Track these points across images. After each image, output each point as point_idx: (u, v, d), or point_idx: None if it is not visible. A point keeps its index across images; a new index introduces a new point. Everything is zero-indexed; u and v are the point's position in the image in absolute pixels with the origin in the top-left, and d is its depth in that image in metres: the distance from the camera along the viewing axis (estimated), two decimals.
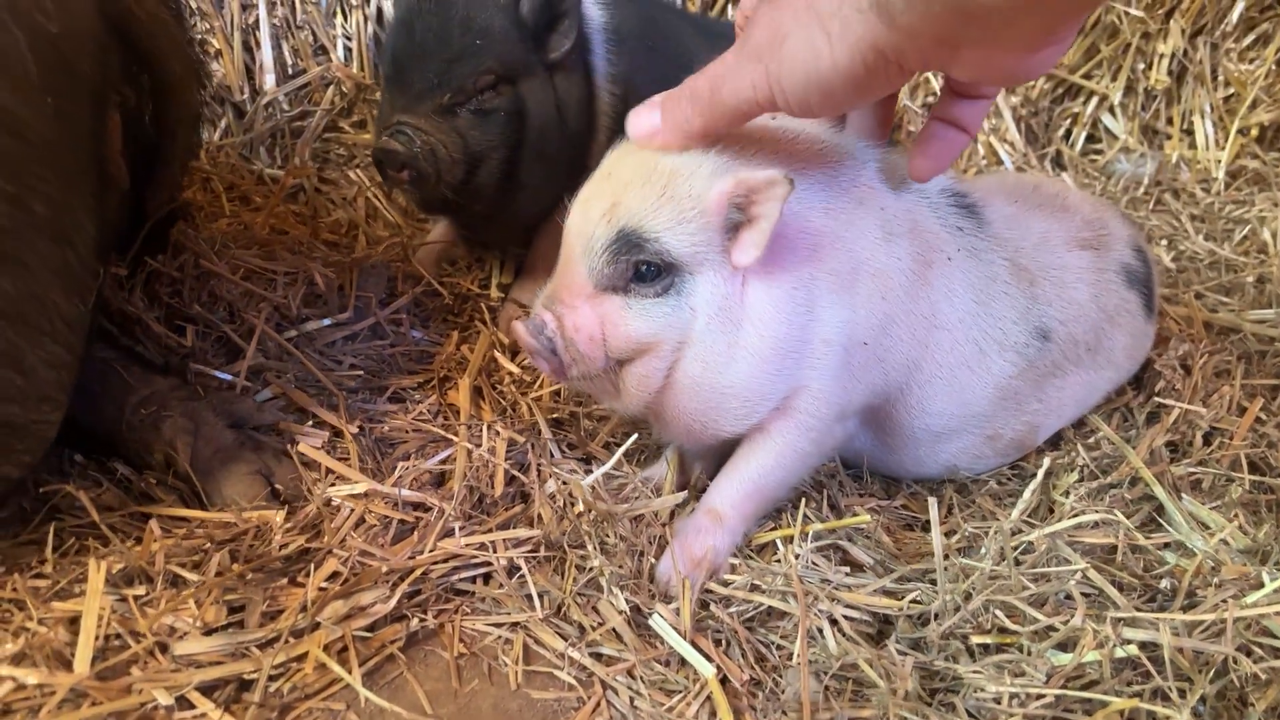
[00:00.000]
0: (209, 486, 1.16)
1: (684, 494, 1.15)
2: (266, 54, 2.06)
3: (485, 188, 1.51)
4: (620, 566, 1.08)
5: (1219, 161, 2.22)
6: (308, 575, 1.06)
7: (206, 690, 0.92)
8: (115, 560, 0.99)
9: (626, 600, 1.03)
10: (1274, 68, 2.26)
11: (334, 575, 1.06)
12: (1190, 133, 2.29)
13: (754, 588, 1.06)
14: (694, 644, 0.98)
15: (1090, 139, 2.31)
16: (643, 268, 0.97)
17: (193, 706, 0.90)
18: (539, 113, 1.51)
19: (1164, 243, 1.96)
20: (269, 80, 2.06)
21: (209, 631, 0.96)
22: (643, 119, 0.97)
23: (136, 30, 1.11)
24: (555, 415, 1.36)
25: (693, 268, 0.98)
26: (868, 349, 1.07)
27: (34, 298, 0.96)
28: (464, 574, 1.09)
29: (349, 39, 2.14)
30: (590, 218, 0.97)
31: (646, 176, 0.95)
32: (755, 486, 1.10)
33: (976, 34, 0.72)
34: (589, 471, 1.26)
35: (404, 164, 1.42)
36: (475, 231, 1.76)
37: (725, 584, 1.08)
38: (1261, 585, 1.02)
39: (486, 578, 1.10)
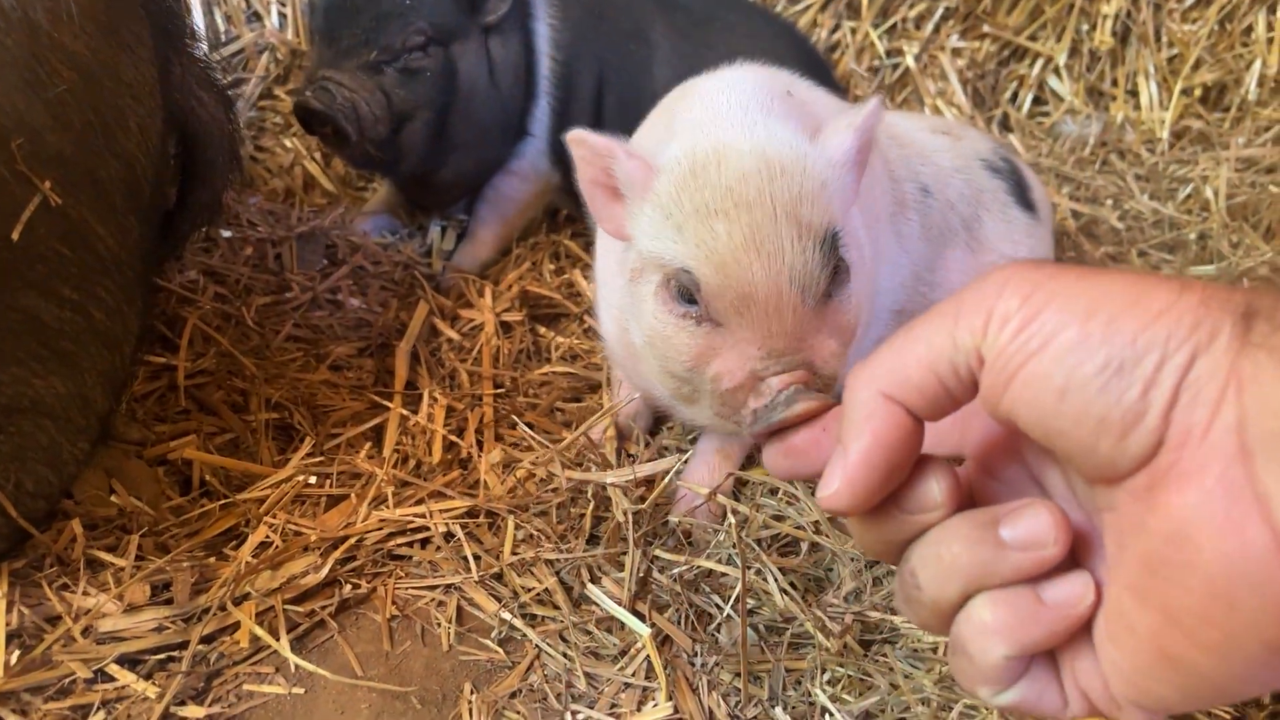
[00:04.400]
0: None
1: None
2: (198, 20, 1.98)
3: (413, 147, 1.50)
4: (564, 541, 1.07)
5: (1163, 122, 2.23)
6: (236, 548, 1.04)
7: (131, 663, 0.90)
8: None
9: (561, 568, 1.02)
10: (1216, 28, 2.27)
11: (263, 545, 1.03)
12: (1135, 94, 2.29)
13: (694, 547, 1.06)
14: (633, 609, 0.97)
15: (1037, 101, 2.31)
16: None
17: (113, 679, 0.87)
18: (470, 75, 1.49)
19: (1109, 202, 1.97)
20: (201, 47, 1.99)
21: (133, 608, 0.94)
22: None
23: (193, 129, 1.16)
24: (497, 380, 1.34)
25: (845, 237, 0.87)
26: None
27: (80, 398, 0.98)
28: (400, 540, 1.08)
29: (283, 4, 2.07)
30: (783, 252, 0.81)
31: (784, 179, 0.83)
32: None
33: None
34: (534, 436, 1.25)
35: (324, 120, 1.40)
36: (410, 192, 1.73)
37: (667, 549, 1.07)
38: None
39: (424, 543, 1.09)
